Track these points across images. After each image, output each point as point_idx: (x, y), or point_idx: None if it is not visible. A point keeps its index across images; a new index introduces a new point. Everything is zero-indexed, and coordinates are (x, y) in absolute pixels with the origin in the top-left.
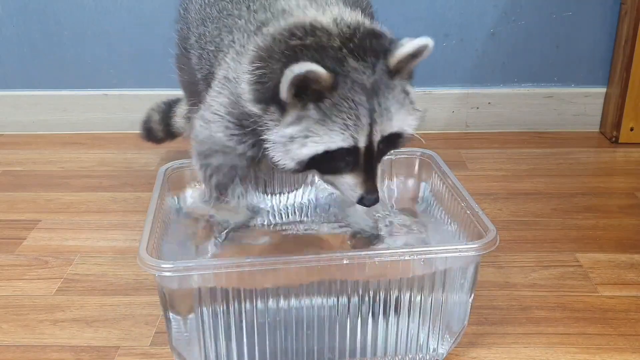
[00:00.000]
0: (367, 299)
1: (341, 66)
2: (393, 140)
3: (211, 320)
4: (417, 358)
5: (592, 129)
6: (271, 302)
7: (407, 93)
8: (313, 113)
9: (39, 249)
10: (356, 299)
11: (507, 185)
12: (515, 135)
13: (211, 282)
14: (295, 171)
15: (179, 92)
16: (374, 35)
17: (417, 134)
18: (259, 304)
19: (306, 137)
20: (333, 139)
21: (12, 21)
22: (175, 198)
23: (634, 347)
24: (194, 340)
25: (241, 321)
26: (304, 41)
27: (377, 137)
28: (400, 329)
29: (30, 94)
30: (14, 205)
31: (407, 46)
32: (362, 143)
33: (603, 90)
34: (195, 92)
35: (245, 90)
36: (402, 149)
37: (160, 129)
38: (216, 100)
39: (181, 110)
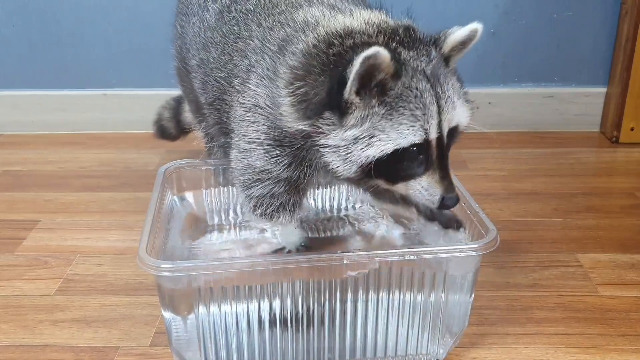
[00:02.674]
0: (367, 299)
1: (398, 54)
2: (453, 135)
3: (211, 321)
4: (417, 358)
5: (592, 128)
6: (271, 302)
7: (461, 82)
8: (378, 109)
9: (38, 249)
10: (356, 298)
11: (508, 185)
12: (515, 135)
13: (212, 281)
14: (353, 179)
15: (179, 92)
16: (414, 29)
17: (474, 127)
18: (259, 304)
19: (372, 136)
20: (402, 134)
21: (12, 21)
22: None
23: (634, 347)
24: (193, 341)
25: (240, 321)
26: (344, 44)
27: (446, 127)
28: (401, 329)
29: (30, 94)
30: (14, 205)
31: (461, 31)
32: (433, 134)
33: (603, 90)
34: (199, 111)
35: (287, 112)
36: None
37: (172, 126)
38: (251, 129)
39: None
